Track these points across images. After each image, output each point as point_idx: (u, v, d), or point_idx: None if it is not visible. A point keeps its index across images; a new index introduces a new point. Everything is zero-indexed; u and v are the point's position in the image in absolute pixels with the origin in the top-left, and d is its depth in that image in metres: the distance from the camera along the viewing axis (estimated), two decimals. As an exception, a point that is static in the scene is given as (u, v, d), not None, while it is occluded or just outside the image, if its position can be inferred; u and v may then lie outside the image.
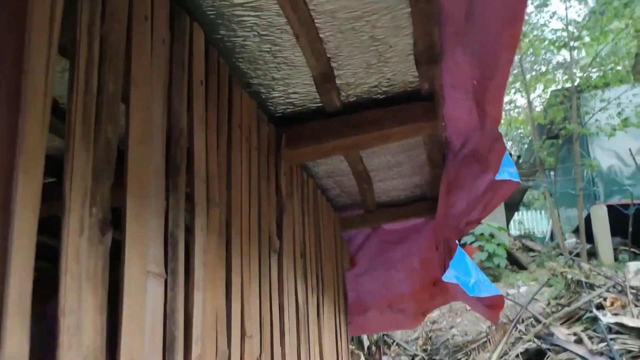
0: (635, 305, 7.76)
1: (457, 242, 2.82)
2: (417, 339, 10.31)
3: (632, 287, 8.04)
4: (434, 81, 2.15)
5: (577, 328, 8.08)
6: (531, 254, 13.11)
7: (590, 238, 11.74)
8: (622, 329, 7.45)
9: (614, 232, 11.63)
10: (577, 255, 11.40)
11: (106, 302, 1.09)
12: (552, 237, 14.00)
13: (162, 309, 1.29)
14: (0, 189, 0.87)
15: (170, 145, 1.41)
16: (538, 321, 8.47)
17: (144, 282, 1.21)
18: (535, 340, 8.13)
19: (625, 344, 7.28)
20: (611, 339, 7.37)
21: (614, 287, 8.38)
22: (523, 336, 8.43)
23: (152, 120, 1.31)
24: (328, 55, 1.98)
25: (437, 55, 1.99)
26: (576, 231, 13.21)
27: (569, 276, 9.02)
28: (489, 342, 9.03)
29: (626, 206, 10.57)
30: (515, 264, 12.16)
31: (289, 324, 2.19)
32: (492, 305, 3.68)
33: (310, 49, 1.89)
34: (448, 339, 9.90)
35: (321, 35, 1.86)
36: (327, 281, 2.97)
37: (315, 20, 1.78)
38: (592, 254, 11.70)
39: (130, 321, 1.15)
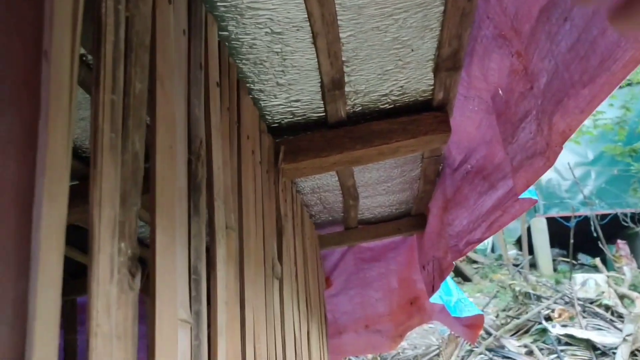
0: (583, 317, 7.92)
1: (453, 263, 2.65)
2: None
3: (579, 299, 8.21)
4: (450, 90, 1.98)
5: (527, 340, 8.17)
6: (474, 265, 13.31)
7: (530, 249, 12.02)
8: (571, 340, 7.58)
9: (552, 244, 11.98)
10: (518, 266, 11.63)
11: (136, 365, 0.83)
12: (492, 249, 14.27)
13: (190, 363, 1.03)
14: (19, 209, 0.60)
15: (191, 160, 1.15)
16: (488, 333, 8.50)
17: (175, 334, 0.95)
18: (487, 352, 8.16)
19: (575, 355, 7.40)
20: (561, 351, 7.48)
21: (561, 298, 8.54)
22: (474, 349, 8.44)
23: (175, 128, 1.05)
24: (343, 59, 1.77)
25: (460, 61, 1.82)
26: (516, 243, 13.53)
27: (517, 288, 9.14)
28: (440, 355, 9.00)
29: (567, 218, 10.88)
30: (460, 275, 12.28)
31: (293, 358, 1.95)
32: (471, 325, 3.55)
33: (327, 51, 1.68)
34: (399, 353, 9.80)
35: (341, 35, 1.65)
36: (314, 305, 2.74)
37: (339, 17, 1.57)
38: (532, 265, 11.98)
39: (163, 387, 0.89)
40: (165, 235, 0.94)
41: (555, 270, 11.73)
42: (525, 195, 2.00)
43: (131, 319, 0.82)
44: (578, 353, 7.42)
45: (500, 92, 1.81)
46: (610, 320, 7.79)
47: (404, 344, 10.24)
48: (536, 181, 1.67)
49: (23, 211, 0.62)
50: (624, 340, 6.88)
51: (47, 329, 0.60)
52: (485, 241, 16.11)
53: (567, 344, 7.64)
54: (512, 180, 1.88)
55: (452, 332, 8.83)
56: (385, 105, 2.08)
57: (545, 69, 1.23)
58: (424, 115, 2.08)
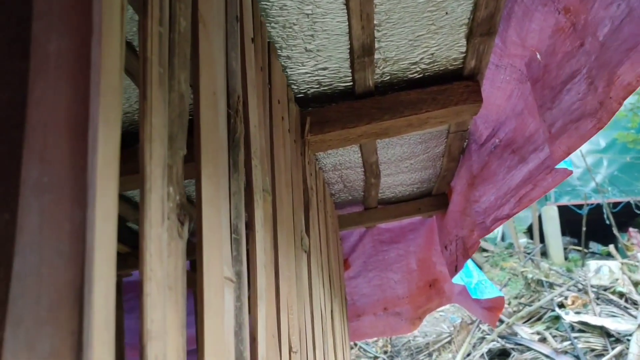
0: (597, 304, 7.85)
1: (479, 240, 2.59)
2: (377, 340, 10.12)
3: (592, 286, 8.13)
4: (482, 58, 1.91)
5: (540, 327, 8.11)
6: (484, 254, 13.24)
7: (541, 238, 11.94)
8: (585, 327, 7.52)
9: (564, 232, 11.90)
10: (529, 254, 11.55)
11: (185, 319, 0.77)
12: (503, 238, 14.19)
13: (233, 325, 0.97)
14: (77, 143, 0.54)
15: (230, 114, 1.10)
16: (501, 321, 8.44)
17: (222, 291, 0.89)
18: (499, 339, 8.11)
19: (588, 342, 7.34)
20: (575, 338, 7.42)
21: (574, 285, 8.47)
22: (486, 336, 8.39)
23: (217, 77, 0.99)
24: (375, 22, 1.70)
25: (496, 25, 1.75)
26: (527, 231, 13.45)
27: (529, 275, 9.08)
28: (452, 342, 8.96)
29: (579, 206, 10.79)
30: (470, 264, 12.21)
31: (319, 335, 1.90)
32: (491, 308, 3.49)
33: (359, 13, 1.61)
34: (409, 340, 9.76)
35: (375, -4, 1.58)
36: (336, 285, 2.69)
37: (374, -24, 1.50)
38: (543, 253, 11.91)
39: (212, 343, 0.83)
40: (211, 184, 0.89)
41: (566, 258, 11.65)
42: (560, 165, 1.93)
43: (181, 269, 0.77)
44: (592, 340, 7.36)
45: (538, 56, 1.74)
46: (625, 307, 7.71)
47: (415, 331, 10.22)
48: (580, 147, 1.60)
49: (77, 136, 0.57)
50: (639, 327, 6.81)
51: (105, 262, 0.55)
52: (496, 230, 16.06)
53: (580, 330, 7.57)
54: (549, 149, 1.81)
55: (465, 315, 8.80)
56: (415, 75, 2.01)
57: (610, 17, 1.16)
58: (455, 84, 2.01)
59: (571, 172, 1.98)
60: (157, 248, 0.69)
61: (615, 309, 7.77)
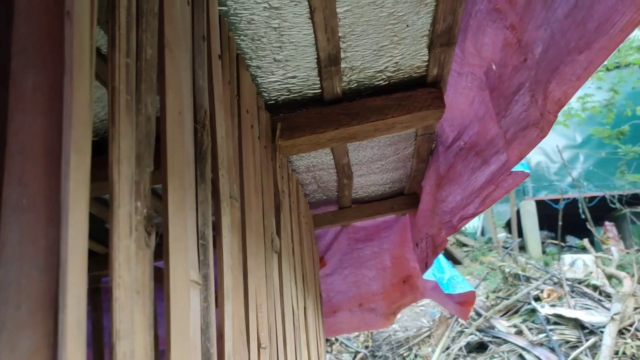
0: (572, 297, 8.06)
1: (447, 238, 2.70)
2: (358, 336, 10.26)
3: (567, 279, 8.34)
4: (444, 66, 2.02)
5: (517, 320, 8.30)
6: (464, 249, 13.45)
7: (519, 232, 12.17)
8: (560, 319, 7.72)
9: (541, 227, 12.14)
10: (507, 248, 11.77)
11: (153, 320, 0.86)
12: (482, 233, 14.42)
13: (200, 323, 1.07)
14: (49, 173, 0.63)
15: (197, 129, 1.18)
16: (478, 314, 8.63)
17: (187, 293, 0.98)
18: (477, 333, 8.29)
19: (563, 334, 7.53)
20: (550, 330, 7.61)
21: (550, 279, 8.67)
22: (465, 330, 8.56)
23: (183, 96, 1.08)
24: (339, 34, 1.80)
25: (455, 36, 1.85)
26: (506, 226, 13.69)
27: (507, 269, 9.27)
28: (431, 336, 9.13)
29: (556, 201, 11.02)
30: (451, 259, 12.40)
31: (290, 332, 1.99)
32: (463, 302, 3.62)
33: (324, 26, 1.71)
34: (390, 335, 9.92)
35: (338, 10, 1.68)
36: (310, 282, 2.79)
37: (337, -8, 1.60)
38: (522, 248, 12.14)
39: (178, 341, 0.92)
40: (177, 196, 0.98)
41: (544, 252, 11.89)
42: (517, 168, 2.04)
43: (148, 275, 0.86)
44: (566, 332, 7.56)
45: (493, 66, 1.85)
46: (598, 299, 7.93)
47: (395, 325, 10.36)
48: (529, 153, 1.71)
49: (51, 163, 0.65)
50: (612, 319, 7.01)
51: (77, 273, 0.64)
52: (475, 225, 16.31)
53: (555, 323, 7.77)
54: (505, 153, 1.93)
55: (444, 310, 8.95)
56: (380, 82, 2.11)
57: (541, 38, 1.27)
58: (418, 91, 2.12)
59: (528, 174, 2.10)
60: (125, 257, 0.78)
61: (589, 302, 7.98)
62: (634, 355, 6.66)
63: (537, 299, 8.42)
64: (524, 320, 8.22)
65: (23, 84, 0.69)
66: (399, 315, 10.69)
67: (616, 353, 6.80)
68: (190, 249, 1.03)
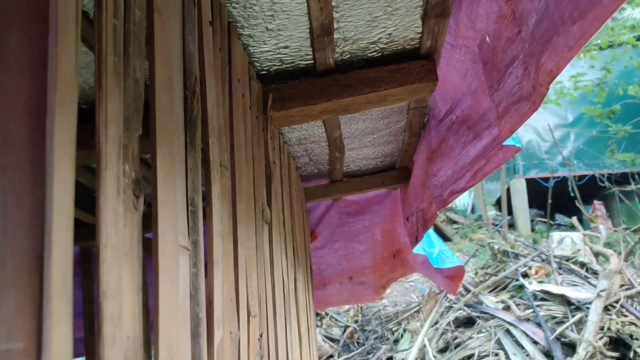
0: (559, 274, 8.15)
1: (437, 213, 2.72)
2: (348, 310, 10.37)
3: (555, 256, 8.43)
4: (437, 38, 2.00)
5: (505, 296, 8.40)
6: (455, 226, 13.56)
7: (509, 210, 12.26)
8: (547, 296, 7.82)
9: (531, 205, 12.23)
10: (497, 226, 11.88)
11: (142, 282, 0.86)
12: (472, 210, 14.51)
13: (189, 289, 1.07)
14: (32, 131, 0.62)
15: (187, 95, 1.17)
16: (467, 290, 8.72)
17: (177, 258, 0.98)
18: (465, 308, 8.39)
19: (550, 310, 7.64)
20: (537, 306, 7.71)
21: (538, 256, 8.76)
22: (453, 305, 8.67)
23: (172, 62, 1.07)
24: (332, 4, 1.77)
25: (449, 7, 1.83)
26: (496, 204, 13.78)
27: (496, 247, 9.35)
28: (420, 311, 9.24)
29: (546, 179, 11.08)
30: (441, 235, 12.48)
31: (280, 302, 2.01)
32: (452, 277, 3.66)
33: (317, -5, 1.68)
34: (379, 310, 10.04)
35: (332, -21, 1.65)
36: (300, 255, 2.80)
37: (330, -40, 1.57)
38: (511, 225, 12.25)
39: (167, 305, 0.93)
40: (166, 162, 0.97)
41: (533, 230, 12.01)
42: (508, 142, 2.05)
43: (136, 238, 0.86)
44: (553, 308, 7.66)
45: (487, 39, 1.84)
46: (585, 276, 8.03)
47: (384, 300, 10.47)
48: (520, 126, 1.71)
49: (36, 123, 0.64)
50: (598, 295, 7.11)
51: (63, 232, 0.63)
52: (466, 202, 16.39)
53: (542, 299, 7.87)
54: (497, 127, 1.93)
55: (434, 285, 9.04)
56: (373, 54, 2.09)
57: (535, 10, 1.26)
58: (411, 63, 2.10)
59: (519, 148, 2.10)
60: (113, 219, 0.77)
61: (576, 279, 8.08)
62: (618, 331, 6.77)
63: (525, 275, 8.51)
64: (512, 296, 8.32)
65: (7, 43, 0.68)
66: (388, 290, 10.80)
67: (601, 329, 6.91)
68: (180, 214, 1.03)
